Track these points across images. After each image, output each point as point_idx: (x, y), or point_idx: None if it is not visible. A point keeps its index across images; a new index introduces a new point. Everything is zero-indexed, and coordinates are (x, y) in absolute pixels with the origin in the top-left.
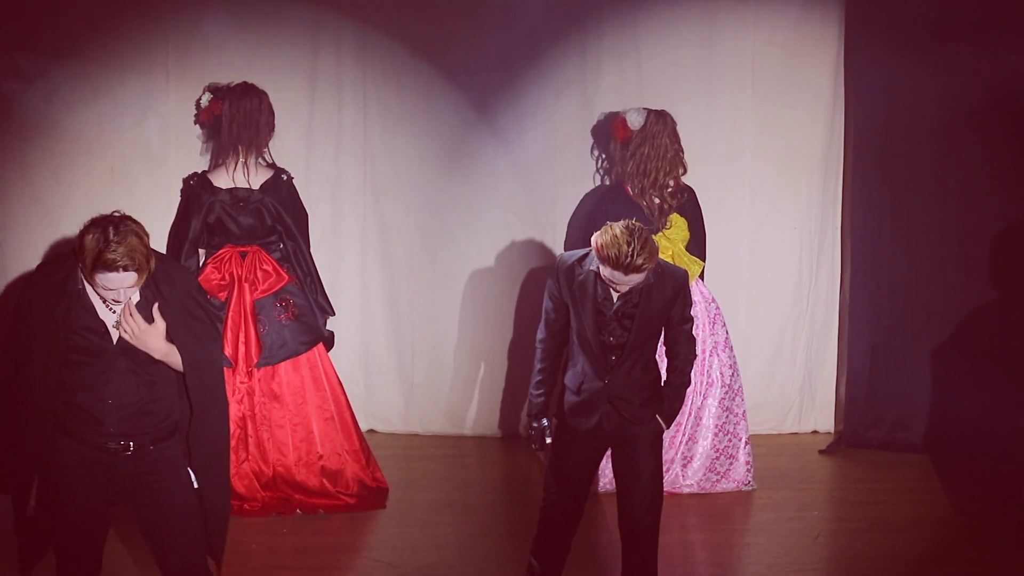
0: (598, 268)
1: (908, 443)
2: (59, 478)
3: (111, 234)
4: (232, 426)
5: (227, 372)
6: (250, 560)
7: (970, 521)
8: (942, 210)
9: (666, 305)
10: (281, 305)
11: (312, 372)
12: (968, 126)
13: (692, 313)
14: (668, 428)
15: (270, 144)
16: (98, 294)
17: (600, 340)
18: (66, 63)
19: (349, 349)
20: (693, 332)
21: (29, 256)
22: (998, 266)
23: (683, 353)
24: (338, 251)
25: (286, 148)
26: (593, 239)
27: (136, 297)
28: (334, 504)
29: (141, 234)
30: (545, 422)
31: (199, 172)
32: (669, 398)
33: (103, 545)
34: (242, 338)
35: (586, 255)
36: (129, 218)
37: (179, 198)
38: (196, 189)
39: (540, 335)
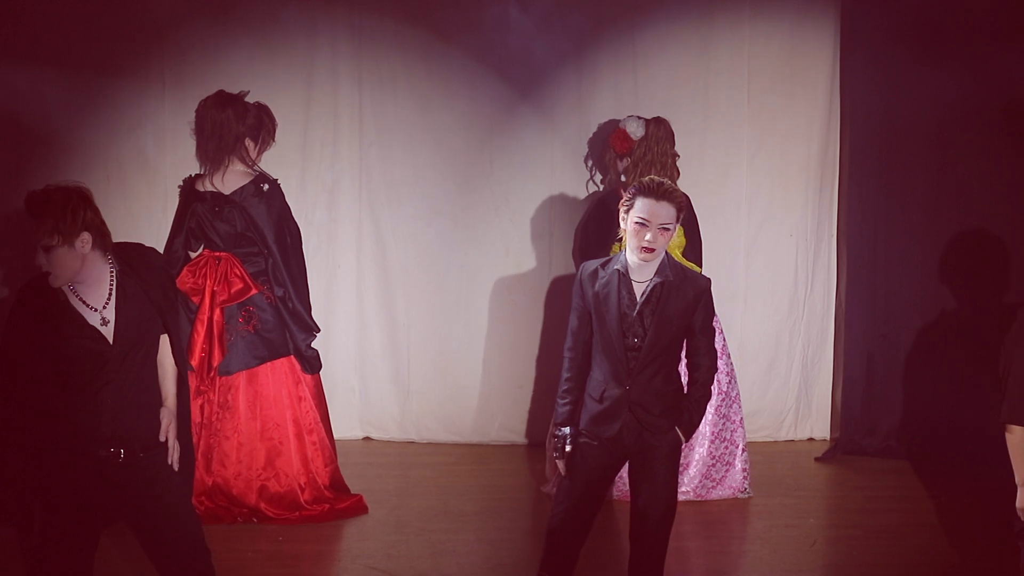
0: (622, 265)
1: (904, 450)
2: (48, 493)
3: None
4: None
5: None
6: (245, 568)
7: (965, 528)
8: (938, 217)
9: (687, 309)
10: (244, 316)
11: (275, 391)
12: (964, 132)
13: None
14: (687, 441)
15: (266, 152)
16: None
17: (624, 343)
18: (62, 71)
19: (345, 357)
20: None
21: (25, 267)
22: (994, 273)
23: (704, 365)
24: (334, 258)
25: (282, 156)
26: (627, 190)
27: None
28: (270, 519)
29: (76, 200)
30: (568, 430)
31: (190, 176)
32: (689, 410)
33: (92, 559)
34: (204, 345)
35: (608, 260)
36: (78, 189)
37: (175, 205)
38: (183, 193)
39: (568, 345)
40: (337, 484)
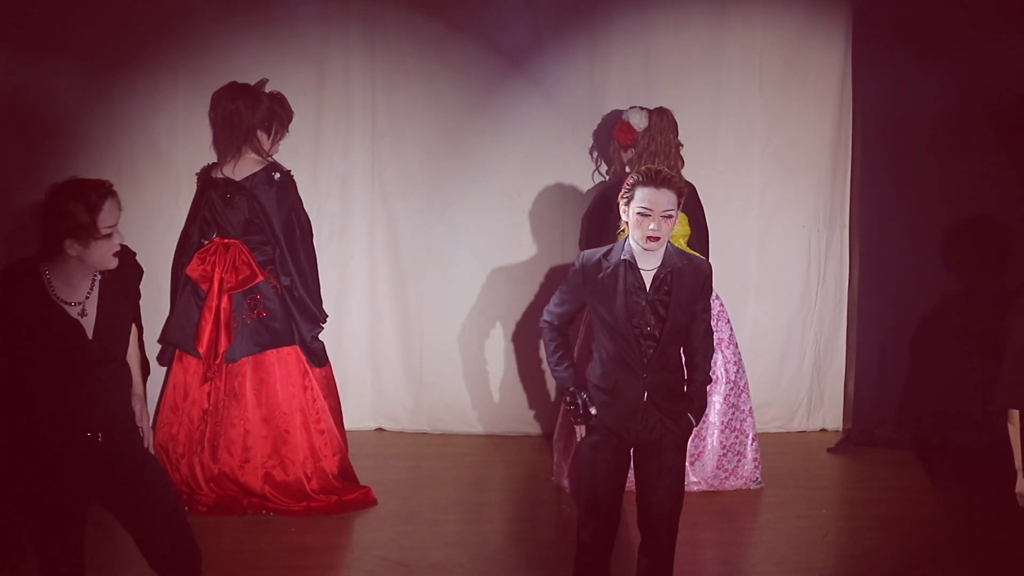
0: (628, 254)
1: (916, 441)
2: (36, 480)
3: (82, 182)
4: (196, 421)
5: (194, 364)
6: (259, 559)
7: (977, 518)
8: (950, 208)
9: (695, 293)
10: (249, 304)
11: (281, 380)
12: (975, 124)
13: None
14: (696, 425)
15: (280, 143)
16: (89, 262)
17: (635, 331)
18: (73, 62)
19: (357, 348)
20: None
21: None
22: (1007, 263)
23: (701, 349)
24: (346, 249)
25: (294, 147)
26: (625, 181)
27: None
28: (277, 508)
29: None
30: (585, 395)
31: (208, 164)
32: (697, 395)
33: (83, 541)
34: (211, 332)
35: (609, 250)
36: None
37: (187, 197)
38: (199, 181)
39: (547, 318)
40: (346, 473)
